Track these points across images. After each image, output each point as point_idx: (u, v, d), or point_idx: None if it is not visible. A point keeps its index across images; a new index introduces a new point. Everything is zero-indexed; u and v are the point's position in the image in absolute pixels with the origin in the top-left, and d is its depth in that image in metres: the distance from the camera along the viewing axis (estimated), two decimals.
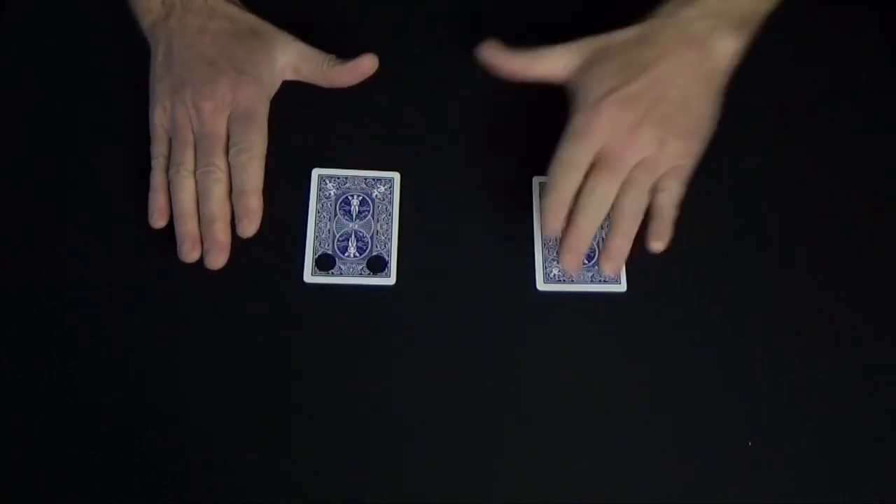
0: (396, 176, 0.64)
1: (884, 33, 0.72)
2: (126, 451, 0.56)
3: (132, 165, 0.63)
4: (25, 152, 0.64)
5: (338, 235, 0.62)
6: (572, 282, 0.61)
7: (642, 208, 0.59)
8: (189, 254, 0.59)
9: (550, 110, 0.67)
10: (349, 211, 0.63)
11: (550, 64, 0.63)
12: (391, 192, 0.63)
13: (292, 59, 0.64)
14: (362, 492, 0.56)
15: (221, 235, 0.59)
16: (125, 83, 0.66)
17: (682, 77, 0.61)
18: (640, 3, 0.64)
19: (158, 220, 0.60)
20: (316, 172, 0.63)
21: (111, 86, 0.66)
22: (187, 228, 0.59)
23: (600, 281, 0.62)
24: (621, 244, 0.58)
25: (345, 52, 0.66)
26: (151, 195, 0.60)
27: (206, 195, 0.60)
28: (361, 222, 0.62)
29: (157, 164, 0.61)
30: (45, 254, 0.60)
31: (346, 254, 0.61)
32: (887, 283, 0.64)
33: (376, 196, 0.63)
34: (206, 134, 0.60)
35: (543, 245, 0.63)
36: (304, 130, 0.65)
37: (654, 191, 0.60)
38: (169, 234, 0.61)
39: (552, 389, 0.59)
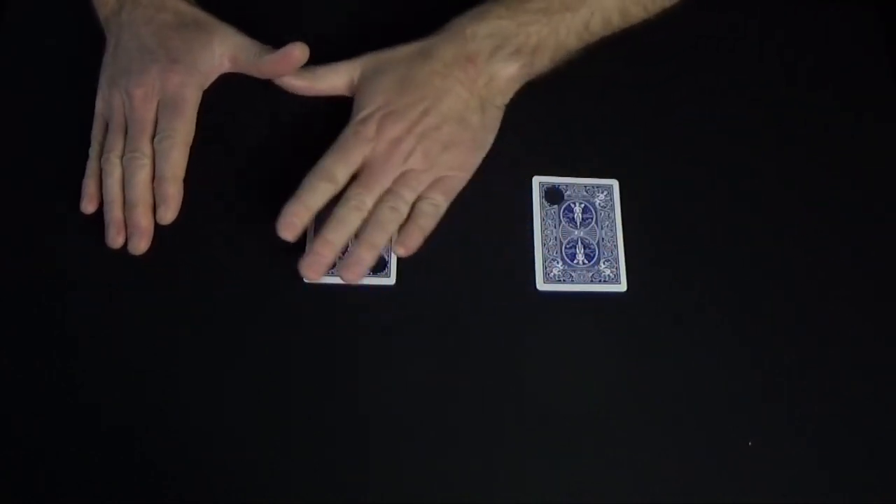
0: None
1: (884, 33, 0.72)
2: (126, 451, 0.56)
3: None
4: (25, 152, 0.64)
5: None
6: (572, 282, 0.61)
7: (397, 220, 0.59)
8: (114, 240, 0.59)
9: (550, 110, 0.67)
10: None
11: (331, 81, 0.65)
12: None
13: (229, 50, 0.65)
14: (362, 492, 0.56)
15: (143, 220, 0.60)
16: None
17: (456, 92, 0.61)
18: None
19: (87, 206, 0.61)
20: None
21: None
22: (113, 215, 0.60)
23: (600, 281, 0.62)
24: (364, 254, 0.58)
25: (344, 52, 0.66)
26: (84, 181, 0.61)
27: (129, 181, 0.60)
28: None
29: (93, 150, 0.62)
30: (45, 254, 0.60)
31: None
32: (887, 282, 0.64)
33: None
34: (135, 119, 0.62)
35: (543, 245, 0.63)
36: (305, 130, 0.65)
37: (417, 200, 0.60)
38: (170, 234, 0.61)
39: (552, 389, 0.59)
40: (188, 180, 0.62)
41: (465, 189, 0.64)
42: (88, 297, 0.59)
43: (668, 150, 0.66)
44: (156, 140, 0.61)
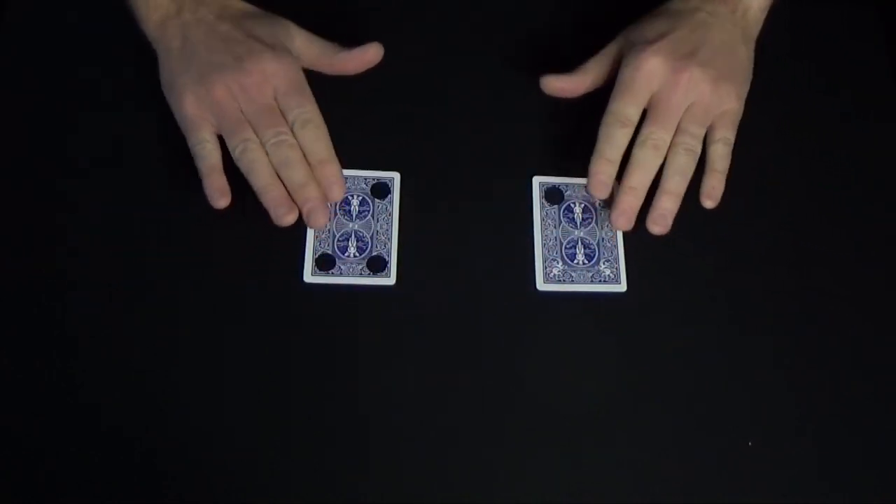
0: (396, 176, 0.64)
1: (884, 33, 0.72)
2: (126, 451, 0.56)
3: (132, 165, 0.63)
4: (25, 152, 0.64)
5: (338, 235, 0.62)
6: (572, 282, 0.61)
7: (692, 163, 0.60)
8: (285, 217, 0.58)
9: (550, 110, 0.67)
10: (349, 211, 0.63)
11: (605, 65, 0.64)
12: (391, 192, 0.63)
13: (300, 44, 0.64)
14: (362, 492, 0.56)
15: (317, 193, 0.59)
16: (125, 83, 0.66)
17: (719, 25, 0.62)
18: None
19: (221, 200, 0.59)
20: None
21: (111, 86, 0.66)
22: (276, 194, 0.58)
23: (600, 281, 0.62)
24: (669, 204, 0.59)
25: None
26: (208, 179, 0.59)
27: (288, 163, 0.59)
28: (361, 222, 0.62)
29: (204, 149, 0.59)
30: (45, 254, 0.60)
31: (346, 254, 0.61)
32: (887, 282, 0.64)
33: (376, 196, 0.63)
34: (261, 108, 0.60)
35: (543, 245, 0.63)
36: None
37: (707, 142, 0.60)
38: (169, 236, 0.61)
39: (552, 389, 0.59)
40: (189, 180, 0.63)
41: (465, 189, 0.64)
42: (88, 297, 0.59)
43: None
44: (297, 126, 0.60)
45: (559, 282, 0.61)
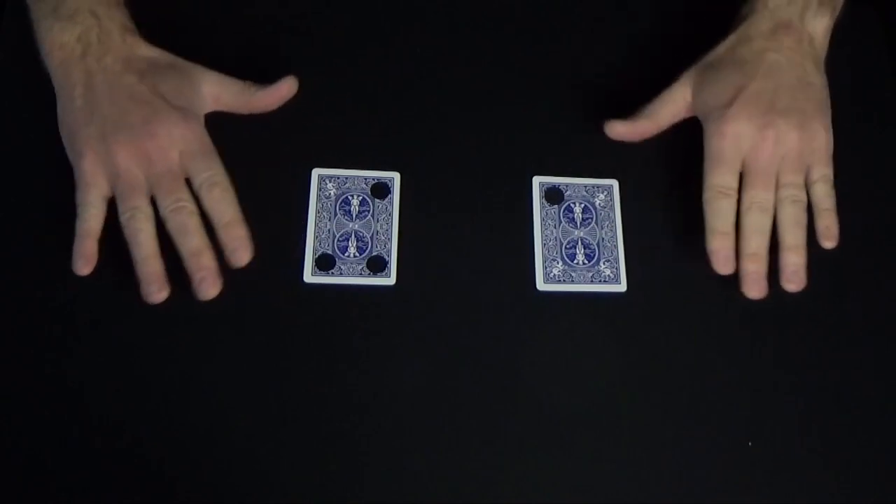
0: (396, 176, 0.64)
1: (884, 33, 0.72)
2: (126, 451, 0.56)
3: None
4: (25, 152, 0.64)
5: (338, 235, 0.62)
6: (572, 282, 0.61)
7: (803, 209, 0.60)
8: (157, 294, 0.57)
9: (550, 110, 0.67)
10: (349, 211, 0.63)
11: (670, 108, 0.64)
12: (391, 192, 0.63)
13: (213, 89, 0.62)
14: (362, 492, 0.56)
15: (212, 263, 0.58)
16: None
17: (789, 61, 0.61)
18: None
19: (84, 268, 0.57)
20: (316, 172, 0.63)
21: None
22: (151, 269, 0.57)
23: (600, 281, 0.62)
24: (797, 259, 0.59)
25: (346, 53, 0.66)
26: (80, 242, 0.57)
27: (183, 231, 0.58)
28: (361, 222, 0.62)
29: (87, 212, 0.58)
30: (45, 254, 0.60)
31: (346, 254, 0.61)
32: (887, 282, 0.64)
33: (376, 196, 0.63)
34: (163, 172, 0.58)
35: (543, 245, 0.63)
36: (304, 130, 0.65)
37: (808, 185, 0.60)
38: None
39: (552, 389, 0.59)
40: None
41: (465, 189, 0.64)
42: (88, 298, 0.59)
43: (667, 150, 0.66)
44: (203, 190, 0.59)
45: (559, 282, 0.61)
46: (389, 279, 0.61)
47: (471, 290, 0.61)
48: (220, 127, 0.63)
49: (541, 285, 0.61)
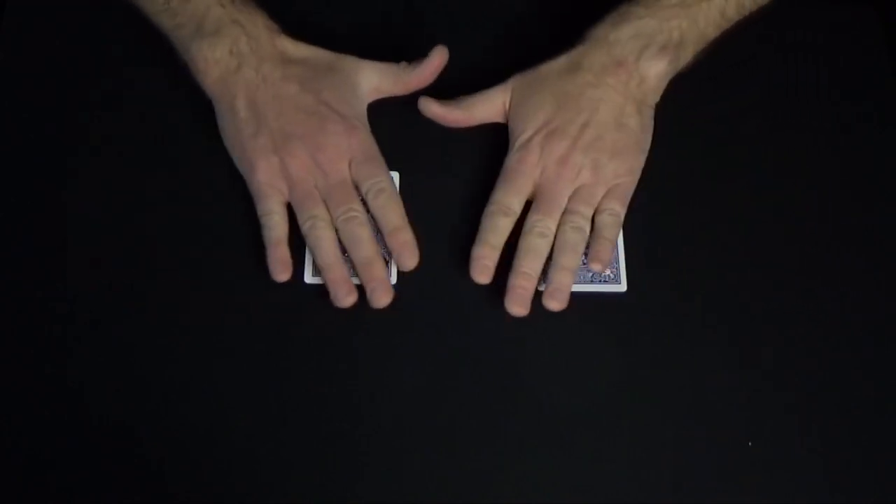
0: (396, 176, 0.64)
1: (884, 33, 0.72)
2: (126, 451, 0.56)
3: (133, 165, 0.63)
4: (25, 152, 0.64)
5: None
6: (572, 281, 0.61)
7: (583, 238, 0.60)
8: (346, 299, 0.58)
9: None
10: None
11: (486, 108, 0.64)
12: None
13: (371, 81, 0.64)
14: (362, 492, 0.56)
15: (382, 273, 0.59)
16: (125, 83, 0.66)
17: (612, 99, 0.61)
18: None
19: (282, 274, 0.59)
20: None
21: (111, 86, 0.66)
22: (338, 275, 0.59)
23: (600, 281, 0.62)
24: (564, 279, 0.59)
25: (345, 52, 0.65)
26: (273, 251, 0.59)
27: (356, 241, 0.59)
28: None
29: (272, 220, 0.59)
30: (45, 254, 0.60)
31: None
32: (887, 282, 0.64)
33: None
34: (336, 183, 0.60)
35: None
36: None
37: (595, 214, 0.61)
38: (170, 236, 0.61)
39: (552, 389, 0.59)
40: (191, 179, 0.63)
41: (465, 189, 0.64)
42: (88, 297, 0.59)
43: (667, 150, 0.66)
44: (370, 197, 0.60)
45: None
46: (390, 279, 0.61)
47: (471, 291, 0.61)
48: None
49: (540, 285, 0.61)
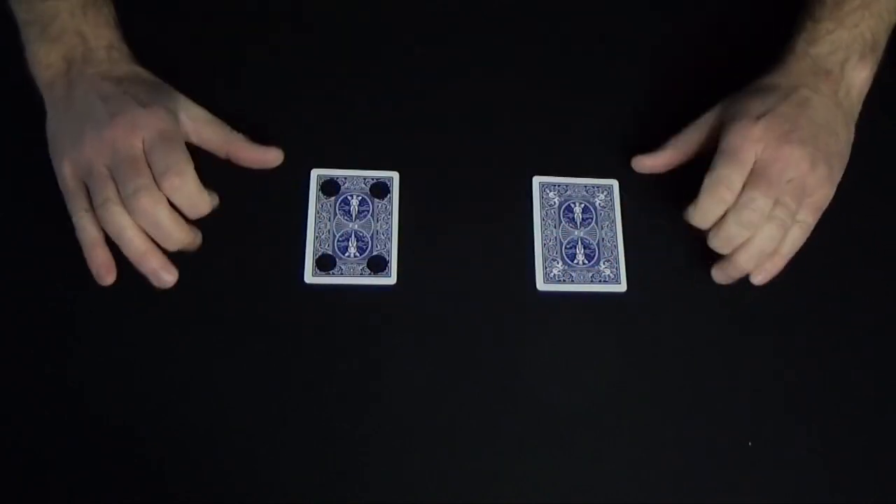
0: (395, 175, 0.64)
1: None
2: (126, 451, 0.56)
3: None
4: (25, 153, 0.64)
5: (338, 235, 0.62)
6: (572, 281, 0.61)
7: (781, 237, 0.59)
8: (166, 280, 0.57)
9: (550, 110, 0.67)
10: (349, 211, 0.63)
11: (695, 137, 0.63)
12: (391, 192, 0.63)
13: (194, 120, 0.61)
14: (362, 492, 0.56)
15: (161, 260, 0.57)
16: None
17: (823, 104, 0.61)
18: None
19: (107, 277, 0.57)
20: (315, 173, 0.63)
21: None
22: (154, 262, 0.57)
23: (600, 281, 0.62)
24: (749, 265, 0.59)
25: (346, 52, 0.66)
26: (90, 252, 0.57)
27: (154, 219, 0.55)
28: (361, 222, 0.62)
29: (83, 218, 0.57)
30: (45, 254, 0.60)
31: (347, 254, 0.61)
32: (888, 282, 0.64)
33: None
34: (126, 158, 0.56)
35: (543, 245, 0.63)
36: (304, 130, 0.65)
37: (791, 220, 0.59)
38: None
39: (552, 389, 0.59)
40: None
41: (465, 189, 0.64)
42: (88, 298, 0.59)
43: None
44: (163, 178, 0.55)
45: (559, 282, 0.61)
46: (390, 279, 0.61)
47: (471, 291, 0.61)
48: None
49: (541, 285, 0.61)
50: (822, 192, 0.60)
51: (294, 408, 0.57)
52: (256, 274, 0.60)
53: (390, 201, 0.63)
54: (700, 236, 0.61)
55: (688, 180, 0.63)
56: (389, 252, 0.61)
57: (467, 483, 0.56)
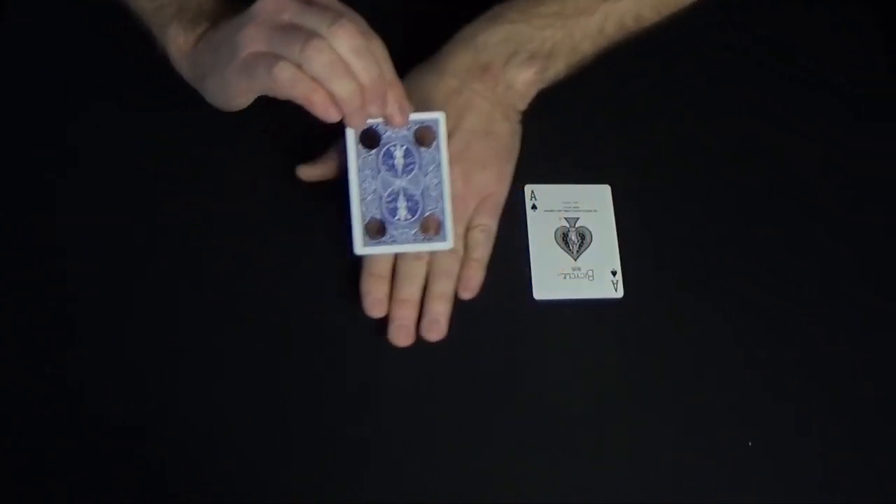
0: (441, 116, 0.56)
1: (884, 33, 0.72)
2: (126, 451, 0.56)
3: (133, 165, 0.63)
4: (25, 153, 0.64)
5: (385, 196, 0.56)
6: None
7: (457, 259, 0.58)
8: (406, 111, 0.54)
9: (544, 116, 0.67)
10: (393, 165, 0.56)
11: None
12: (437, 138, 0.57)
13: None
14: (362, 492, 0.56)
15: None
16: (125, 83, 0.66)
17: (478, 105, 0.59)
18: None
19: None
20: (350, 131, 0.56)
21: (111, 85, 0.66)
22: (386, 94, 0.52)
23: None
24: (440, 307, 0.57)
25: None
26: (310, 95, 0.51)
27: (356, 43, 0.50)
28: (408, 177, 0.57)
29: (287, 68, 0.50)
30: (45, 254, 0.60)
31: (397, 217, 0.56)
32: (887, 283, 0.64)
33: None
34: (298, 4, 0.51)
35: (540, 253, 0.62)
36: (305, 135, 0.64)
37: (466, 229, 0.58)
38: (171, 235, 0.61)
39: (550, 396, 0.58)
40: (191, 179, 0.62)
41: None
42: (88, 297, 0.59)
43: (662, 154, 0.66)
44: (326, 23, 0.49)
45: (556, 289, 0.60)
46: (446, 243, 0.56)
47: (468, 300, 0.60)
48: (221, 127, 0.63)
49: (537, 293, 0.61)
50: (488, 192, 0.59)
51: (293, 407, 0.57)
52: (256, 274, 0.60)
53: (437, 149, 0.57)
54: (699, 240, 0.61)
55: (686, 182, 0.63)
56: (443, 211, 0.56)
57: (465, 489, 0.56)
